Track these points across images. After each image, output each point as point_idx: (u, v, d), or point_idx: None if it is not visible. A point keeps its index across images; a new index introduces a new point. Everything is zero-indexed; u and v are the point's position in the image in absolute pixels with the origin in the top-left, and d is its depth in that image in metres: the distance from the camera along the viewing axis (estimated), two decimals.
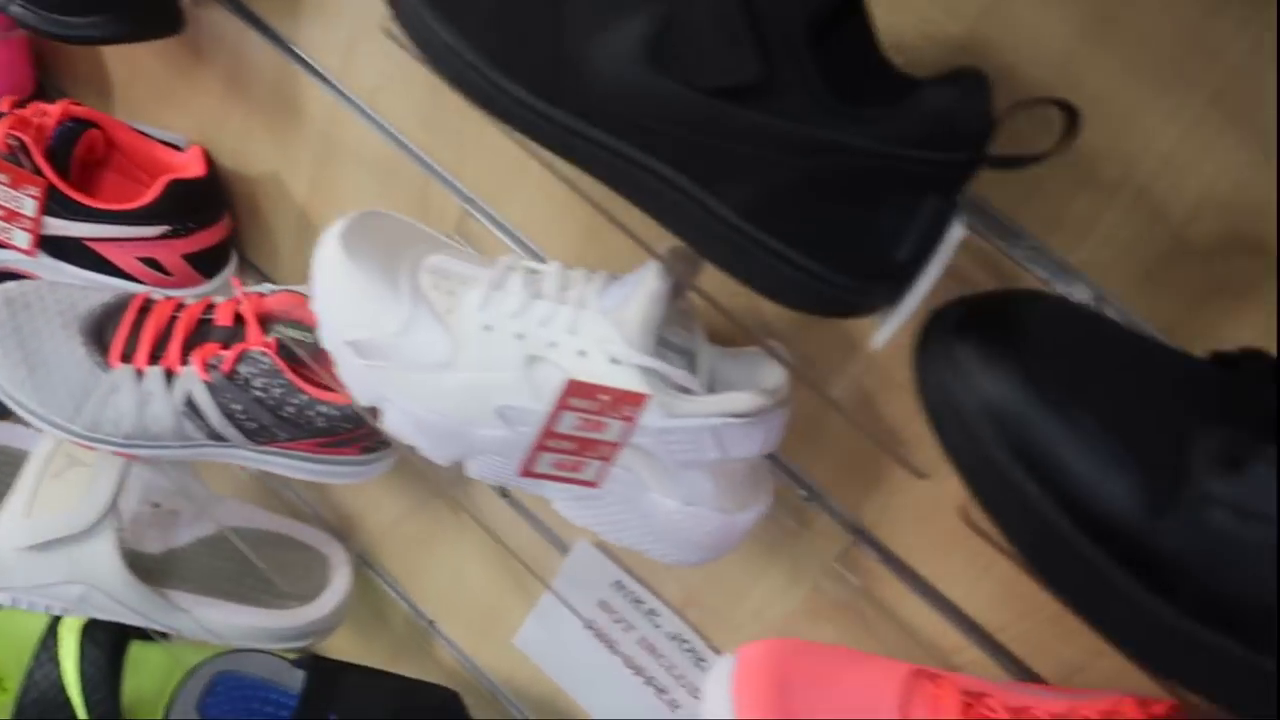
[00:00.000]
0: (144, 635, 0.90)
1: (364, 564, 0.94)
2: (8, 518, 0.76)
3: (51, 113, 0.71)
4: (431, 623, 0.93)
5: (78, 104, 0.73)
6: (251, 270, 0.81)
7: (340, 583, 0.88)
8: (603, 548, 0.76)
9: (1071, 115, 0.36)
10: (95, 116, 0.74)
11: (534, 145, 0.41)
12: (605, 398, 0.48)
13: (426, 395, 0.52)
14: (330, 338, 0.54)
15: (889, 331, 0.40)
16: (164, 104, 0.81)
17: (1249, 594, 0.33)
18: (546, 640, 0.84)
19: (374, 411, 0.54)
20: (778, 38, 0.35)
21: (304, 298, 0.69)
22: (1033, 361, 0.36)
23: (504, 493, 0.80)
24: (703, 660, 0.74)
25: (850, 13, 0.38)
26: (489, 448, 0.53)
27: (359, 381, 0.53)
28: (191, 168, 0.73)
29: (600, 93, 0.38)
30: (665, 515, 0.54)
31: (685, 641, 0.75)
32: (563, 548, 0.78)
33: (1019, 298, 0.38)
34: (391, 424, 0.54)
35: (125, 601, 0.79)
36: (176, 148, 0.76)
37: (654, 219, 0.40)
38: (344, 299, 0.53)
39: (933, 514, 0.59)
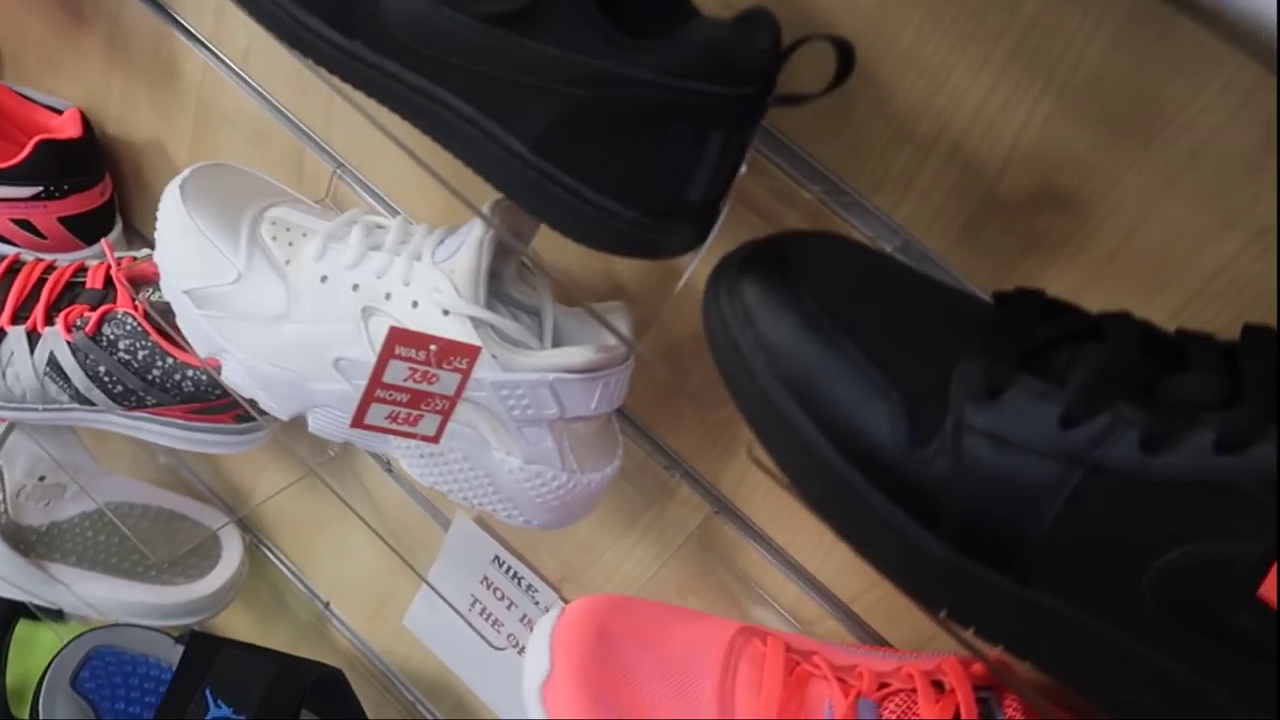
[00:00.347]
0: (34, 615, 0.89)
1: (259, 543, 0.93)
2: None
3: None
4: (327, 604, 0.92)
5: None
6: (137, 237, 0.81)
7: (230, 561, 0.87)
8: (481, 522, 0.75)
9: (845, 54, 0.36)
10: None
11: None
12: (434, 347, 0.48)
13: (263, 347, 0.52)
14: (170, 287, 0.53)
15: (687, 274, 0.40)
16: (52, 71, 0.80)
17: (1006, 523, 0.33)
18: (434, 620, 0.83)
19: (215, 365, 0.54)
20: None
21: None
22: (806, 296, 0.36)
23: (388, 466, 0.79)
24: None
25: None
26: (327, 401, 0.53)
27: (197, 332, 0.53)
28: (67, 129, 0.72)
29: (390, 23, 0.37)
30: (508, 474, 0.53)
31: None
32: (445, 523, 0.77)
33: (801, 237, 0.38)
34: (230, 377, 0.53)
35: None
36: (60, 113, 0.76)
37: (456, 157, 0.40)
38: (182, 248, 0.52)
39: None
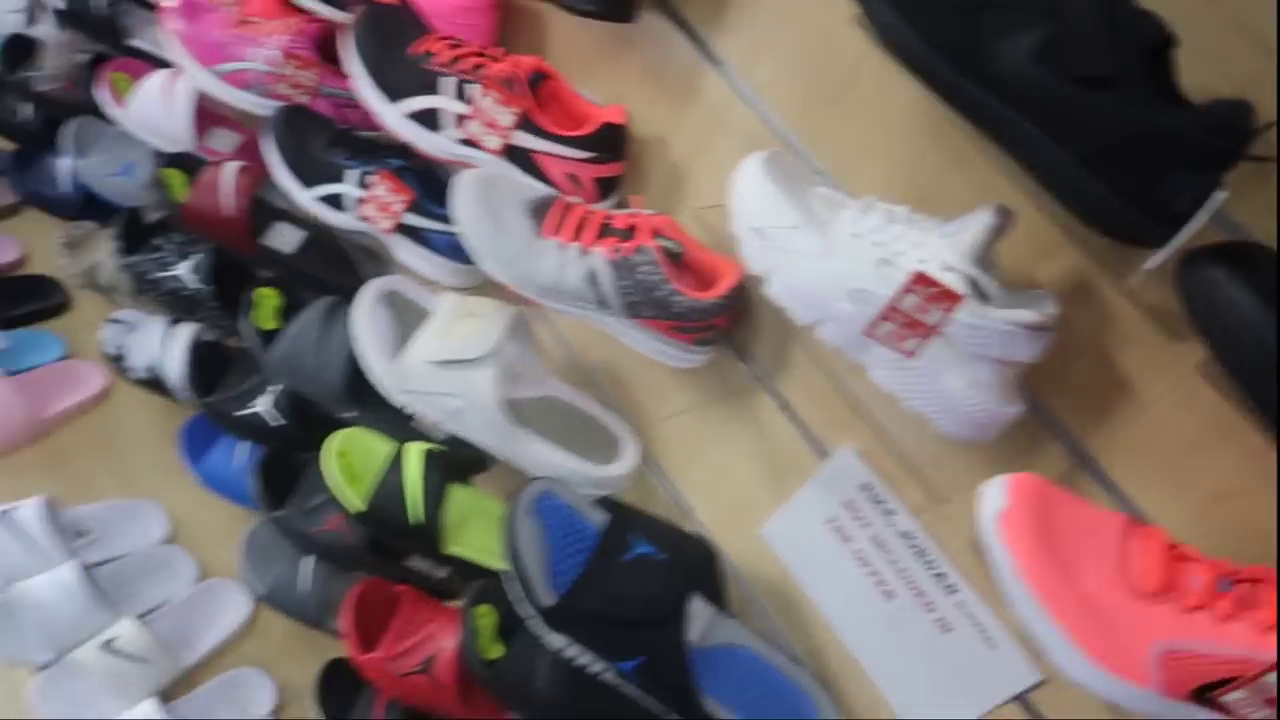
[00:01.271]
0: (458, 479, 1.18)
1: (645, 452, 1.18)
2: (424, 339, 1.05)
3: (526, 64, 1.01)
4: (690, 510, 1.15)
5: (544, 63, 1.02)
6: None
7: (630, 455, 1.12)
8: (863, 455, 0.96)
9: None
10: (551, 72, 1.03)
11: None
12: (936, 290, 0.71)
13: (803, 273, 0.76)
14: (741, 224, 0.79)
15: (1160, 258, 0.61)
16: (585, 77, 1.09)
17: None
18: (790, 532, 1.04)
19: (757, 280, 0.79)
20: (1124, 49, 0.57)
21: (675, 221, 0.96)
22: (1263, 277, 0.56)
23: (785, 405, 1.02)
24: (925, 555, 0.93)
25: (1167, 45, 0.60)
26: (837, 317, 0.76)
27: (757, 256, 0.78)
28: (616, 117, 1.00)
29: (1002, 73, 0.61)
30: (953, 390, 0.75)
31: (913, 539, 0.93)
32: (823, 454, 0.99)
33: (1250, 243, 0.58)
34: (773, 290, 0.78)
35: (488, 422, 1.06)
36: (596, 105, 1.04)
37: (1019, 163, 0.63)
38: (759, 199, 0.78)
39: (1152, 447, 0.76)
